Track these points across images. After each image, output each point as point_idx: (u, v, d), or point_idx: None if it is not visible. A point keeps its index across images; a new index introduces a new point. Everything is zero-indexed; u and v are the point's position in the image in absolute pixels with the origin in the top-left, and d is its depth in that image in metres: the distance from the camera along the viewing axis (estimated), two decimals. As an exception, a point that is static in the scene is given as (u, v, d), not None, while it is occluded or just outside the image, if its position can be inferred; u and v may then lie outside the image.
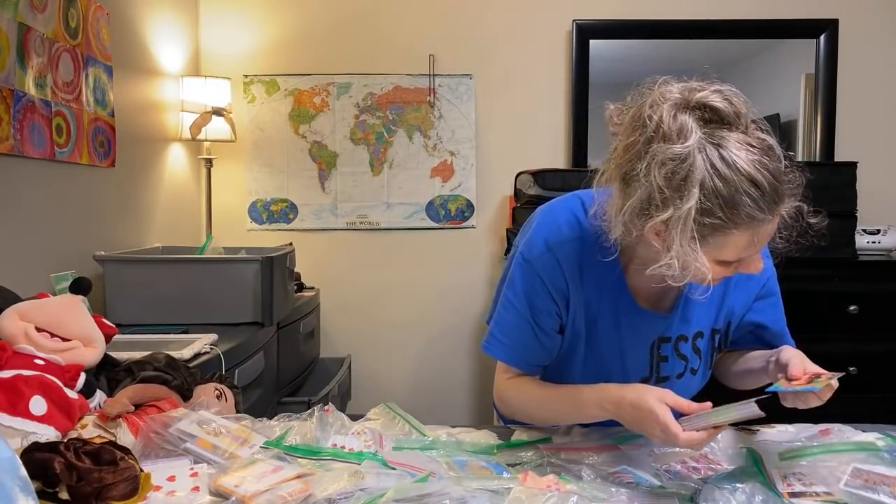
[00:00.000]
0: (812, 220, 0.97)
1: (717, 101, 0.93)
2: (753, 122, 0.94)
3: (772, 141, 0.93)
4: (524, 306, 1.13)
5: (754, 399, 0.87)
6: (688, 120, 0.91)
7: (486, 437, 1.10)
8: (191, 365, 1.31)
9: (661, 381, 1.15)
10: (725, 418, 0.88)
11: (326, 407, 1.08)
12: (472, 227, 2.95)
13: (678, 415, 0.93)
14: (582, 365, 1.16)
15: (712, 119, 0.92)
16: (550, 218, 1.14)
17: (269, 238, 2.90)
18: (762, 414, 0.86)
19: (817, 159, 2.82)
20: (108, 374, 1.12)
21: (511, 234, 2.64)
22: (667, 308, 1.14)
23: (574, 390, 1.07)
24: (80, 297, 1.13)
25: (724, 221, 0.89)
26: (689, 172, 0.89)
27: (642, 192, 0.92)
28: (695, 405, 0.92)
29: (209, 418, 0.98)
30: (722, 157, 0.90)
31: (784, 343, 1.21)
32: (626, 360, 1.14)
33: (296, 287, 2.51)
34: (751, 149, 0.91)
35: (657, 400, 0.93)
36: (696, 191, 0.88)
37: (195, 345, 1.54)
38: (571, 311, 1.13)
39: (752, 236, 0.91)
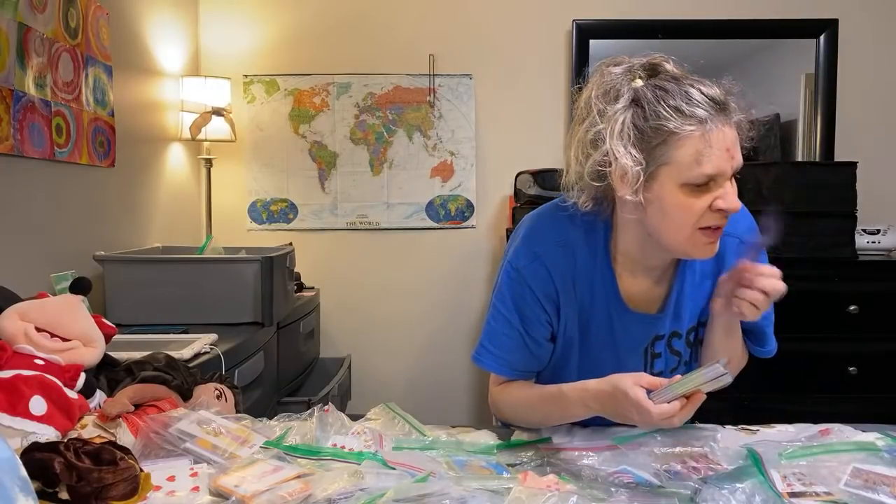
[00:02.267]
0: (758, 118, 1.00)
1: (668, 64, 0.98)
2: None
3: None
4: (514, 316, 1.13)
5: (717, 361, 0.87)
6: (632, 68, 0.99)
7: (486, 437, 1.10)
8: (191, 365, 1.31)
9: None
10: (693, 385, 0.88)
11: (326, 407, 1.08)
12: (472, 227, 2.95)
13: None
14: (577, 372, 1.16)
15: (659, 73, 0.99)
16: (538, 225, 1.15)
17: (269, 238, 2.90)
18: (728, 375, 0.86)
19: (817, 159, 2.82)
20: (108, 374, 1.12)
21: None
22: (656, 310, 1.14)
23: (558, 391, 1.07)
24: (80, 297, 1.13)
25: (666, 119, 0.92)
26: (624, 85, 0.96)
27: (588, 121, 0.99)
28: (665, 381, 0.92)
29: (209, 418, 0.98)
30: (663, 76, 0.97)
31: (764, 345, 1.19)
32: (622, 365, 1.13)
33: (296, 287, 2.51)
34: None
35: (631, 383, 0.93)
36: (628, 95, 0.95)
37: (195, 345, 1.54)
38: (563, 318, 1.13)
39: (703, 140, 0.92)
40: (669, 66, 0.99)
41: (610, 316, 1.12)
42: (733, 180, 0.98)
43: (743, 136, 0.98)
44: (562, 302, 1.11)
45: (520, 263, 1.12)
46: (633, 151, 0.94)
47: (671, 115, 0.92)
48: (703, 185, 0.95)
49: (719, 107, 0.93)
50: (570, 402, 1.04)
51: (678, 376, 0.91)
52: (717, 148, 0.93)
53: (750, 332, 1.17)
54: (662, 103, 0.93)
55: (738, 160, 0.96)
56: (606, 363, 1.13)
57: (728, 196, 0.96)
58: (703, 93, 0.93)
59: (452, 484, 0.84)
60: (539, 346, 1.14)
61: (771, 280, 0.99)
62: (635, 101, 0.95)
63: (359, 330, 2.96)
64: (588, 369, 1.14)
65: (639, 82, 0.97)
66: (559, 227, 1.11)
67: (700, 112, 0.92)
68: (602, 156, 0.97)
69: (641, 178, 0.95)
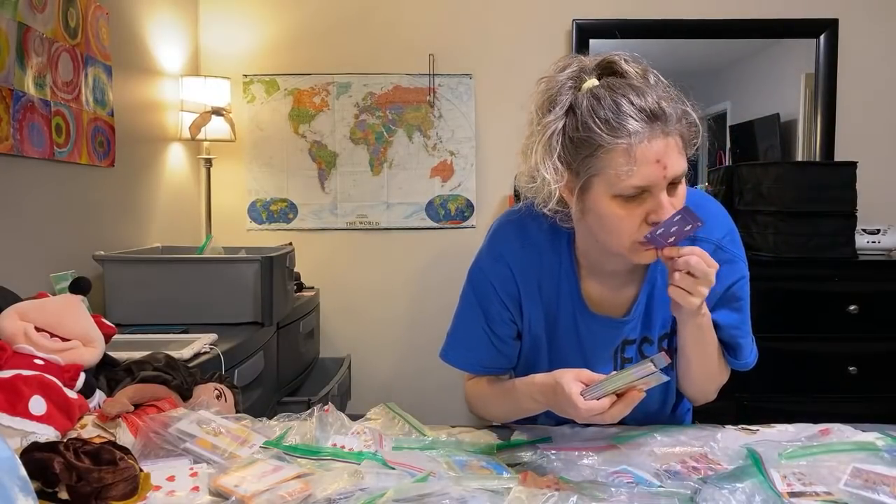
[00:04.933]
0: (696, 115, 0.97)
1: (623, 63, 0.97)
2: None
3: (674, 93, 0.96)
4: (479, 314, 1.15)
5: (650, 357, 0.86)
6: (584, 69, 0.97)
7: (486, 437, 1.10)
8: (190, 365, 1.31)
9: None
10: (624, 382, 0.88)
11: (326, 407, 1.08)
12: (472, 226, 2.95)
13: None
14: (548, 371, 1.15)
15: (613, 73, 0.97)
16: (504, 227, 1.17)
17: (268, 238, 2.90)
18: (660, 373, 0.85)
19: (817, 159, 2.82)
20: (107, 374, 1.12)
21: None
22: (622, 314, 1.13)
23: (511, 384, 1.09)
24: (80, 297, 1.13)
25: (594, 131, 0.91)
26: (563, 94, 0.95)
27: (529, 131, 1.00)
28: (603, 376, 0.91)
29: (209, 418, 0.98)
30: (603, 83, 0.95)
31: (740, 357, 1.14)
32: (590, 367, 1.11)
33: (296, 287, 2.51)
34: (640, 81, 0.94)
35: (569, 378, 0.93)
36: (564, 104, 0.94)
37: (195, 345, 1.54)
38: (526, 318, 1.14)
39: (627, 153, 0.90)
40: (625, 65, 0.96)
41: (575, 318, 1.13)
42: (679, 187, 0.95)
43: (686, 142, 0.95)
44: (524, 302, 1.13)
45: (484, 264, 1.16)
46: (559, 164, 0.95)
47: (599, 128, 0.91)
48: (636, 197, 0.93)
49: (652, 117, 0.91)
50: (521, 395, 1.06)
51: (614, 372, 0.91)
52: (644, 161, 0.90)
53: (725, 344, 1.14)
54: (592, 114, 0.92)
55: (673, 169, 0.92)
56: (575, 365, 1.10)
57: (661, 210, 0.93)
58: (633, 104, 0.91)
59: (452, 484, 0.84)
60: (505, 344, 1.16)
61: (691, 258, 0.94)
62: (571, 110, 0.94)
63: (359, 330, 2.96)
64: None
65: (593, 82, 0.95)
66: (524, 230, 1.13)
67: (629, 124, 0.90)
68: (529, 167, 0.98)
69: (557, 194, 0.96)
